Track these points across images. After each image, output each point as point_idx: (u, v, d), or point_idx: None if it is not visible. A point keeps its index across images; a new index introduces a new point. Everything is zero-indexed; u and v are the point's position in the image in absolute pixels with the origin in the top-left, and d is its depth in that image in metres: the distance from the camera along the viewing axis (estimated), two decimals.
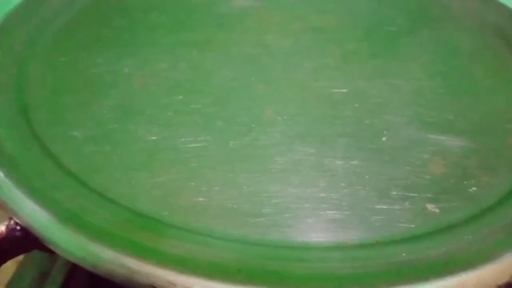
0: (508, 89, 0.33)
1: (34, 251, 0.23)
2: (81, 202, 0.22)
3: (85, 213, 0.22)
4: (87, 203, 0.22)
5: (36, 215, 0.22)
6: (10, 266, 0.37)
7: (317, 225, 0.23)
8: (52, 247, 0.21)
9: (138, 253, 0.20)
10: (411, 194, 0.24)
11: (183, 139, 0.27)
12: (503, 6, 0.41)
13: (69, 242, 0.21)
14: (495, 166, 0.27)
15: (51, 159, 0.25)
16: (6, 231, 0.22)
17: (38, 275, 0.38)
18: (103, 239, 0.20)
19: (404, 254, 0.21)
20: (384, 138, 0.28)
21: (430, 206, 0.24)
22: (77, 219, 0.21)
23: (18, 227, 0.22)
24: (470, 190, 0.25)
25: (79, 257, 0.20)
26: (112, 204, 0.22)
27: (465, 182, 0.25)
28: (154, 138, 0.27)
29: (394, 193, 0.24)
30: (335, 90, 0.31)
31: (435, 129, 0.29)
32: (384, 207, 0.24)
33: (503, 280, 0.20)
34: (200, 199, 0.23)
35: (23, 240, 0.22)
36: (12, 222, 0.22)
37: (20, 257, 0.38)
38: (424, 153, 0.27)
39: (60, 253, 0.21)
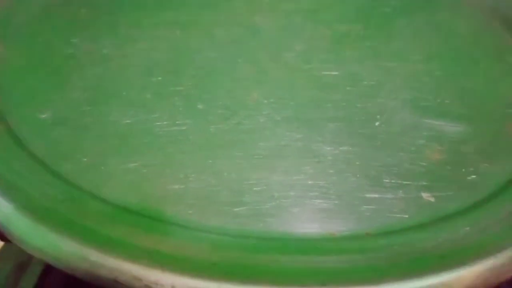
0: (506, 72, 0.31)
1: None
2: (44, 190, 0.20)
3: (47, 201, 0.20)
4: (51, 190, 0.20)
5: None
6: None
7: (302, 215, 0.21)
8: (10, 238, 0.19)
9: (101, 245, 0.18)
10: (404, 182, 0.23)
11: (159, 123, 0.25)
12: None
13: (27, 232, 0.19)
14: (494, 153, 0.25)
15: (16, 142, 0.23)
16: None
17: (16, 266, 0.36)
18: (64, 230, 0.18)
19: (396, 247, 0.19)
20: (377, 123, 0.26)
21: (425, 195, 0.22)
22: (38, 208, 0.20)
23: None
24: (468, 178, 0.23)
25: (37, 249, 0.18)
26: (77, 192, 0.21)
27: (462, 170, 0.23)
28: (128, 121, 0.25)
29: (387, 181, 0.23)
30: (326, 73, 0.29)
31: (431, 113, 0.27)
32: (376, 196, 0.22)
33: (503, 276, 0.18)
34: (175, 186, 0.22)
35: None
36: None
37: None
38: (419, 138, 0.25)
39: (19, 245, 0.19)
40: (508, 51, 0.33)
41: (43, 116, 0.25)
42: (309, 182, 0.22)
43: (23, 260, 0.36)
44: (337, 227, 0.21)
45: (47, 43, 0.30)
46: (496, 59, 0.32)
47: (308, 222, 0.21)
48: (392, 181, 0.23)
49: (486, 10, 0.36)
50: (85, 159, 0.23)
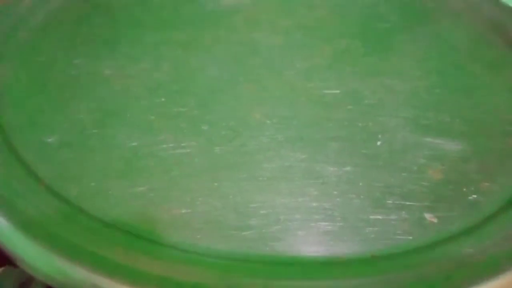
0: (506, 87, 0.31)
1: None
2: (50, 214, 0.21)
3: (54, 226, 0.20)
4: (57, 214, 0.21)
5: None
6: None
7: (308, 238, 0.21)
8: (16, 261, 0.19)
9: (110, 272, 0.18)
10: (407, 203, 0.23)
11: (165, 145, 0.25)
12: (499, 1, 0.39)
13: (33, 256, 0.19)
14: (495, 171, 0.25)
15: (22, 166, 0.23)
16: None
17: (17, 286, 0.36)
18: (72, 255, 0.19)
19: (401, 269, 0.19)
20: (378, 142, 0.26)
21: (428, 216, 0.22)
22: (44, 232, 0.20)
23: None
24: (470, 197, 0.23)
25: (44, 274, 0.19)
26: (84, 217, 0.21)
27: (464, 189, 0.24)
28: (134, 144, 0.25)
29: (390, 202, 0.23)
30: (327, 91, 0.30)
31: (432, 131, 0.27)
32: (379, 217, 0.22)
33: None
34: (183, 211, 0.22)
35: None
36: None
37: None
38: (421, 157, 0.26)
39: (26, 270, 0.19)
40: (507, 65, 0.33)
41: (49, 140, 0.25)
42: (314, 204, 0.23)
43: (24, 280, 0.36)
44: (342, 249, 0.21)
45: (49, 64, 0.30)
46: (495, 74, 0.32)
47: (313, 245, 0.21)
48: (395, 202, 0.23)
49: (486, 23, 0.37)
50: (92, 184, 0.23)
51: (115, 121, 0.26)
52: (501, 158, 0.26)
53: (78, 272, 0.19)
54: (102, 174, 0.23)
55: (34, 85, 0.29)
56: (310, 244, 0.21)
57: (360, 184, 0.24)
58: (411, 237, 0.21)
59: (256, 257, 0.20)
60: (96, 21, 0.34)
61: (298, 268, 0.20)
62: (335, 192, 0.23)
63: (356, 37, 0.35)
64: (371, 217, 0.22)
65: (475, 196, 0.23)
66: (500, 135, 0.28)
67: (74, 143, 0.25)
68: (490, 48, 0.35)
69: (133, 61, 0.31)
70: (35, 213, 0.21)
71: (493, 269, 0.19)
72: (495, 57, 0.34)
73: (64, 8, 0.35)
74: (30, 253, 0.20)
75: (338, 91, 0.30)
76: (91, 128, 0.26)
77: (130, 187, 0.23)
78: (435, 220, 0.22)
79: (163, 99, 0.28)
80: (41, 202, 0.22)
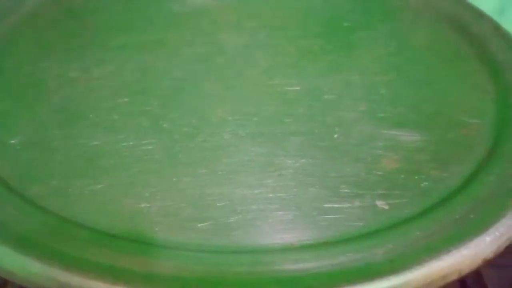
0: (462, 80, 0.33)
1: None
2: (11, 212, 0.21)
3: (17, 225, 0.21)
4: (17, 212, 0.21)
5: None
6: None
7: (263, 227, 0.22)
8: None
9: (66, 265, 0.19)
10: (361, 192, 0.24)
11: (126, 143, 0.26)
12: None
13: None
14: (447, 159, 0.26)
15: None
16: None
17: None
18: (30, 251, 0.19)
19: (350, 254, 0.20)
20: (335, 135, 0.27)
21: (380, 203, 0.23)
22: (7, 232, 0.20)
23: None
24: (421, 185, 0.24)
25: (8, 272, 0.19)
26: (44, 214, 0.21)
27: (416, 177, 0.25)
28: (96, 143, 0.26)
29: (344, 191, 0.24)
30: (289, 88, 0.31)
31: (388, 124, 0.28)
32: (334, 205, 0.23)
33: (449, 278, 0.19)
34: (142, 205, 0.22)
35: None
36: None
37: None
38: (376, 149, 0.26)
39: None
40: (463, 58, 0.34)
41: (12, 141, 0.25)
42: (270, 195, 0.23)
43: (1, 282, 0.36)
44: (297, 237, 0.22)
45: (16, 68, 0.31)
46: (452, 68, 0.34)
47: (269, 234, 0.22)
48: (349, 190, 0.24)
49: (445, 19, 0.38)
50: (54, 182, 0.23)
51: (78, 121, 0.27)
52: (454, 147, 0.27)
53: (39, 268, 0.19)
54: (64, 173, 0.24)
55: (0, 89, 0.29)
56: (265, 233, 0.22)
57: (316, 175, 0.25)
58: (362, 224, 0.22)
59: (210, 247, 0.21)
60: (66, 25, 0.35)
61: (253, 257, 0.21)
62: (292, 183, 0.24)
63: (319, 36, 0.36)
64: (325, 205, 0.23)
65: (426, 183, 0.24)
66: (455, 126, 0.29)
67: (37, 144, 0.25)
68: (449, 44, 0.36)
69: (99, 63, 0.31)
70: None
71: (436, 251, 0.20)
72: (453, 52, 0.35)
73: (36, 12, 0.36)
74: None
75: (299, 88, 0.31)
76: (54, 129, 0.26)
77: (91, 184, 0.23)
78: (387, 207, 0.23)
79: (126, 99, 0.29)
80: (3, 203, 0.22)
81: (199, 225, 0.22)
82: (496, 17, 0.38)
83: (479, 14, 0.38)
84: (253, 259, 0.20)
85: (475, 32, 0.36)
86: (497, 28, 0.37)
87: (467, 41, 0.36)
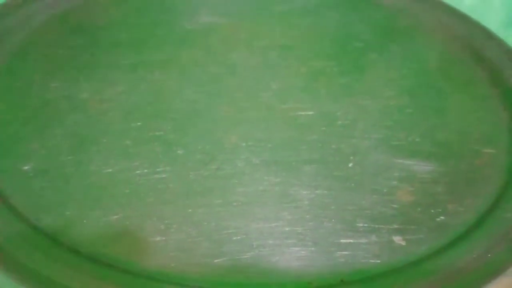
0: (476, 106, 0.32)
1: None
2: (23, 245, 0.21)
3: (27, 258, 0.20)
4: (30, 246, 0.21)
5: None
6: None
7: (280, 264, 0.22)
8: None
9: None
10: (377, 226, 0.24)
11: (140, 171, 0.25)
12: (471, 20, 0.40)
13: None
14: (463, 192, 0.26)
15: None
16: None
17: None
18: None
19: None
20: (350, 164, 0.27)
21: (397, 239, 0.23)
22: (15, 264, 0.20)
23: None
24: (438, 219, 0.24)
25: None
26: (59, 248, 0.21)
27: (432, 211, 0.25)
28: (109, 170, 0.25)
29: (360, 225, 0.24)
30: (302, 113, 0.30)
31: (403, 153, 0.28)
32: (350, 241, 0.23)
33: None
34: (157, 238, 0.22)
35: None
36: None
37: None
38: (392, 179, 0.26)
39: None
40: (477, 84, 0.34)
41: (24, 167, 0.25)
42: (287, 229, 0.23)
43: None
44: (313, 275, 0.21)
45: (25, 89, 0.30)
46: (466, 93, 0.33)
47: (285, 271, 0.22)
48: (366, 225, 0.24)
49: (458, 42, 0.38)
50: (68, 213, 0.23)
51: (91, 146, 0.27)
52: (468, 180, 0.27)
53: None
54: (77, 203, 0.23)
55: (10, 111, 0.29)
56: (282, 270, 0.22)
57: (332, 207, 0.24)
58: (379, 261, 0.22)
59: (227, 285, 0.20)
60: (74, 43, 0.34)
61: None
62: (308, 216, 0.24)
63: (331, 57, 0.35)
64: (342, 240, 0.23)
65: (442, 217, 0.24)
66: (468, 155, 0.28)
67: (49, 171, 0.25)
68: (462, 67, 0.36)
69: (110, 84, 0.31)
70: (7, 244, 0.21)
71: None
72: (466, 76, 0.35)
73: (43, 30, 0.35)
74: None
75: (312, 113, 0.30)
76: (66, 154, 0.26)
77: (105, 215, 0.23)
78: (403, 243, 0.23)
79: (139, 123, 0.28)
80: (14, 232, 0.22)
81: (215, 260, 0.21)
82: (502, 30, 0.38)
83: (490, 36, 0.38)
84: None
85: (487, 55, 0.36)
86: (509, 51, 0.37)
87: (479, 64, 0.36)
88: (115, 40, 0.35)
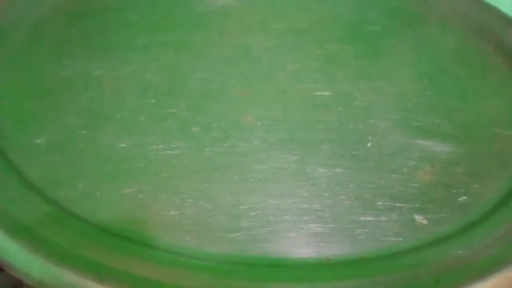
0: (494, 91, 0.32)
1: None
2: (40, 218, 0.20)
3: (41, 229, 0.20)
4: (46, 218, 0.20)
5: None
6: None
7: (298, 240, 0.21)
8: (5, 268, 0.19)
9: (99, 276, 0.18)
10: (398, 204, 0.23)
11: (154, 147, 0.25)
12: (488, 5, 0.40)
13: (22, 261, 0.19)
14: (484, 173, 0.25)
15: (10, 169, 0.23)
16: None
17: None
18: (62, 260, 0.18)
19: (391, 272, 0.19)
20: (369, 144, 0.26)
21: (418, 217, 0.22)
22: (31, 235, 0.19)
23: None
24: (460, 199, 0.24)
25: (34, 279, 0.18)
26: (74, 220, 0.20)
27: (454, 191, 0.24)
28: (123, 145, 0.25)
29: (380, 203, 0.23)
30: (318, 93, 0.30)
31: (422, 133, 0.27)
32: (370, 218, 0.22)
33: None
34: (172, 212, 0.22)
35: None
36: None
37: None
38: (411, 159, 0.26)
39: (15, 275, 0.19)
40: (494, 69, 0.34)
41: (38, 141, 0.25)
42: (304, 206, 0.23)
43: (15, 283, 0.36)
44: (333, 251, 0.21)
45: (39, 66, 0.30)
46: (483, 78, 0.33)
47: (304, 247, 0.21)
48: (386, 203, 0.23)
49: (474, 27, 0.37)
50: (81, 186, 0.23)
51: (105, 122, 0.26)
52: (488, 161, 0.26)
53: (68, 276, 0.18)
54: (91, 177, 0.23)
55: (24, 87, 0.28)
56: (299, 246, 0.21)
57: (351, 185, 0.24)
58: (401, 239, 0.21)
59: (245, 259, 0.20)
60: (87, 24, 0.34)
61: (287, 270, 0.20)
62: (325, 194, 0.23)
63: (347, 41, 0.35)
64: (361, 218, 0.22)
65: (464, 197, 0.24)
66: (488, 138, 0.28)
67: (63, 145, 0.25)
68: (478, 53, 0.35)
69: (124, 63, 0.31)
70: (23, 217, 0.21)
71: (483, 272, 0.19)
72: (483, 62, 0.34)
73: (56, 11, 0.35)
74: (19, 258, 0.19)
75: (329, 93, 0.30)
76: (80, 129, 0.26)
77: (119, 189, 0.22)
78: (425, 222, 0.22)
79: (153, 101, 0.28)
80: (29, 206, 0.21)
81: (232, 235, 0.21)
82: None
83: (508, 21, 0.38)
84: (289, 273, 0.20)
85: (505, 40, 0.36)
86: None
87: (497, 49, 0.35)
88: (129, 21, 0.35)
